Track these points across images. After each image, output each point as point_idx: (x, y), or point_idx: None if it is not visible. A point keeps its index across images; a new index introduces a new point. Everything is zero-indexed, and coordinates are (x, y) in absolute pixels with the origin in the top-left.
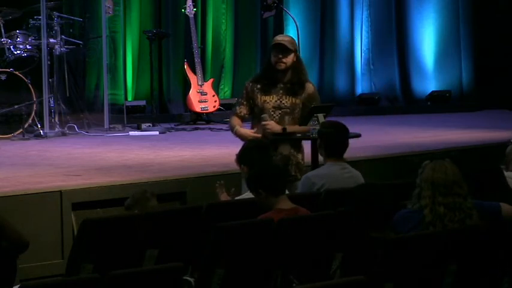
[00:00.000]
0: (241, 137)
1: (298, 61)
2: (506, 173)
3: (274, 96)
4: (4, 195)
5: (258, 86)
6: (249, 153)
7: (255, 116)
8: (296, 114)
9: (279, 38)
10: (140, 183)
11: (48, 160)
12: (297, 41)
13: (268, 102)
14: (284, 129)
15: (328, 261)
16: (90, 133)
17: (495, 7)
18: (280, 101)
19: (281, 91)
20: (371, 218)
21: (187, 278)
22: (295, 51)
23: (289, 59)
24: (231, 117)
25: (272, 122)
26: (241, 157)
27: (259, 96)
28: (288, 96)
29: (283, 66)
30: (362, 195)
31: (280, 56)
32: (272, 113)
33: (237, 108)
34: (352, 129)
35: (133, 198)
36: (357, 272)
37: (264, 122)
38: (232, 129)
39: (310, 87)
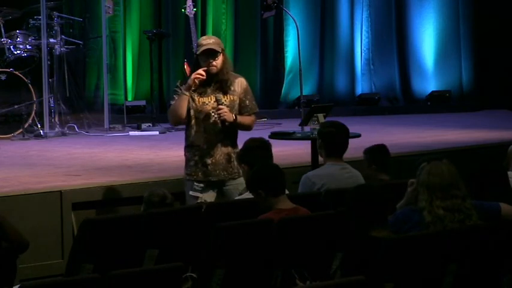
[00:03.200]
0: (188, 88)
1: (225, 59)
2: (508, 173)
3: (212, 96)
4: (4, 195)
5: (192, 88)
6: (249, 152)
7: (190, 118)
8: (235, 111)
9: (204, 42)
10: (140, 183)
11: (48, 160)
12: (297, 41)
13: (207, 104)
14: (235, 118)
15: (328, 261)
16: (90, 133)
17: (495, 7)
18: (215, 103)
19: (217, 90)
20: (371, 218)
21: (191, 274)
22: (223, 50)
23: (219, 60)
24: (169, 111)
25: (226, 108)
26: (241, 156)
27: (196, 98)
28: (225, 95)
29: (215, 70)
30: (361, 196)
31: (211, 60)
32: (213, 114)
33: (176, 99)
34: (352, 129)
35: (151, 198)
36: (357, 272)
37: (220, 106)
38: (177, 101)
39: (243, 81)
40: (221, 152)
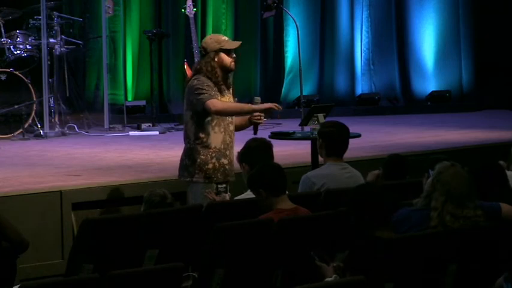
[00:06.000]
0: (256, 110)
1: None
2: (509, 172)
3: (226, 97)
4: (4, 195)
5: (215, 88)
6: (250, 152)
7: (211, 119)
8: None
9: (226, 37)
10: (140, 183)
11: (48, 160)
12: (297, 41)
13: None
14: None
15: (328, 261)
16: (90, 133)
17: (495, 7)
18: (231, 102)
19: (226, 91)
20: (371, 218)
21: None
22: None
23: None
24: (216, 100)
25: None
26: (242, 156)
27: (219, 97)
28: (232, 96)
29: (235, 66)
30: (361, 195)
31: (234, 55)
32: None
33: (214, 95)
34: (352, 129)
35: (151, 198)
36: (357, 272)
37: (259, 116)
38: (241, 107)
39: None
40: (234, 152)
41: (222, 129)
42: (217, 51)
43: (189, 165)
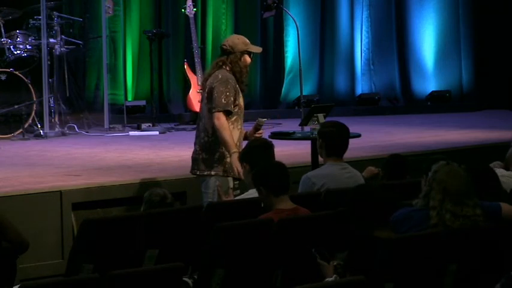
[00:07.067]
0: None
1: None
2: (507, 172)
3: (241, 98)
4: (4, 195)
5: (236, 86)
6: (251, 151)
7: (231, 115)
8: None
9: (248, 41)
10: (140, 183)
11: (48, 160)
12: (297, 41)
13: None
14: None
15: (328, 261)
16: (90, 133)
17: (495, 7)
18: (243, 101)
19: (241, 92)
20: (371, 218)
21: (186, 279)
22: None
23: None
24: (224, 118)
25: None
26: (243, 155)
27: (240, 96)
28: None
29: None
30: (361, 195)
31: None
32: (241, 113)
33: (230, 108)
34: (352, 129)
35: (151, 198)
36: (357, 272)
37: (258, 133)
38: (230, 144)
39: None
40: None
41: (239, 127)
42: (243, 53)
43: (207, 159)
